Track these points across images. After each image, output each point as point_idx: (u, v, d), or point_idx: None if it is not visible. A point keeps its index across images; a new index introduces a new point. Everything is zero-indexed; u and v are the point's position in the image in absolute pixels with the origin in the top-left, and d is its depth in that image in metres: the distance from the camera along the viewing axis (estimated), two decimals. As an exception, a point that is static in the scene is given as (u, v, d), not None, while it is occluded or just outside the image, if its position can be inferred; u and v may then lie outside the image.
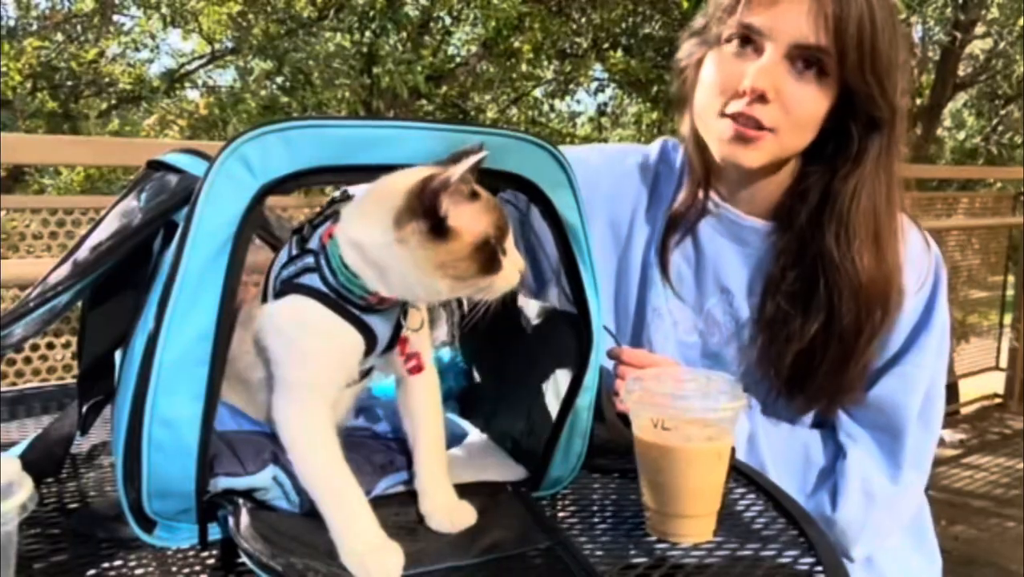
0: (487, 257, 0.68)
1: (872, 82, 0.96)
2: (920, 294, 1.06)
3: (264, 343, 0.73)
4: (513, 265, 0.71)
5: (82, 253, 0.78)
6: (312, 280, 0.71)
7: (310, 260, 0.72)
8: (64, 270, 0.76)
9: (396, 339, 0.76)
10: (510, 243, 0.72)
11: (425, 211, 0.66)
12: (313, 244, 0.73)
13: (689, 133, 1.08)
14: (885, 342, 1.05)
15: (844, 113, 0.99)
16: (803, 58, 0.97)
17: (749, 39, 0.98)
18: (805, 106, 0.98)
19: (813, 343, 1.02)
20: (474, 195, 0.68)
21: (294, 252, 0.73)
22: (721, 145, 1.01)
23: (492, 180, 0.78)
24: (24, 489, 0.50)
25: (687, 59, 1.07)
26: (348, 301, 0.71)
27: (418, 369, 0.79)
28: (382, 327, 0.74)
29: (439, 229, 0.66)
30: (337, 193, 0.75)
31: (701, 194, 1.09)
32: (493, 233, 0.69)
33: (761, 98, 0.96)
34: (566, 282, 0.85)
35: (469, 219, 0.67)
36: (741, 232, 1.08)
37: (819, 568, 0.73)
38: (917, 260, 1.06)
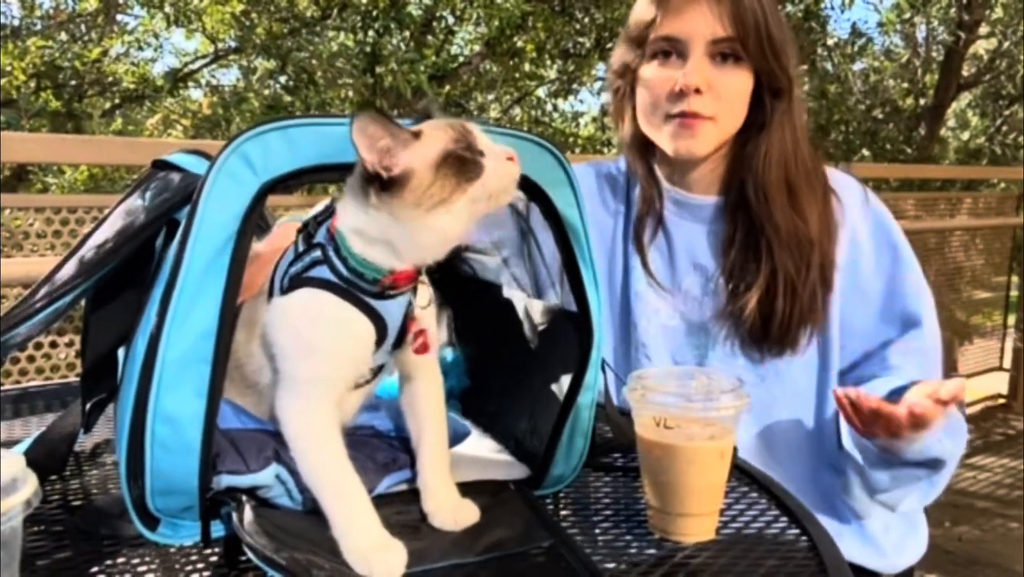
0: (456, 167, 0.69)
1: (771, 57, 1.13)
2: (868, 223, 1.19)
3: (272, 338, 0.73)
4: (497, 157, 0.70)
5: (87, 252, 0.78)
6: (322, 272, 0.72)
7: (318, 253, 0.72)
8: (69, 270, 0.76)
9: (403, 331, 0.76)
10: (485, 142, 0.71)
11: (371, 176, 0.68)
12: (320, 238, 0.73)
13: (629, 138, 1.23)
14: (855, 281, 1.16)
15: (757, 89, 1.15)
16: (719, 52, 1.12)
17: (671, 50, 1.14)
18: (732, 90, 1.13)
19: (768, 289, 1.14)
20: (416, 134, 0.69)
21: (300, 249, 0.74)
22: (672, 143, 1.15)
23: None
24: (28, 485, 0.50)
25: (619, 78, 1.22)
26: (359, 288, 0.71)
27: (425, 348, 0.78)
28: (392, 315, 0.74)
29: (389, 181, 0.68)
30: (339, 192, 0.76)
31: (653, 188, 1.22)
32: (450, 146, 0.69)
33: (696, 91, 1.11)
34: (567, 280, 0.85)
35: (415, 155, 0.68)
36: (698, 211, 1.21)
37: (821, 566, 0.73)
38: (850, 188, 1.21)
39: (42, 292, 0.75)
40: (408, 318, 0.75)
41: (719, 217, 1.20)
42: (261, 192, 0.70)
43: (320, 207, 0.78)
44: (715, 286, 1.19)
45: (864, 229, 1.19)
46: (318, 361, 0.72)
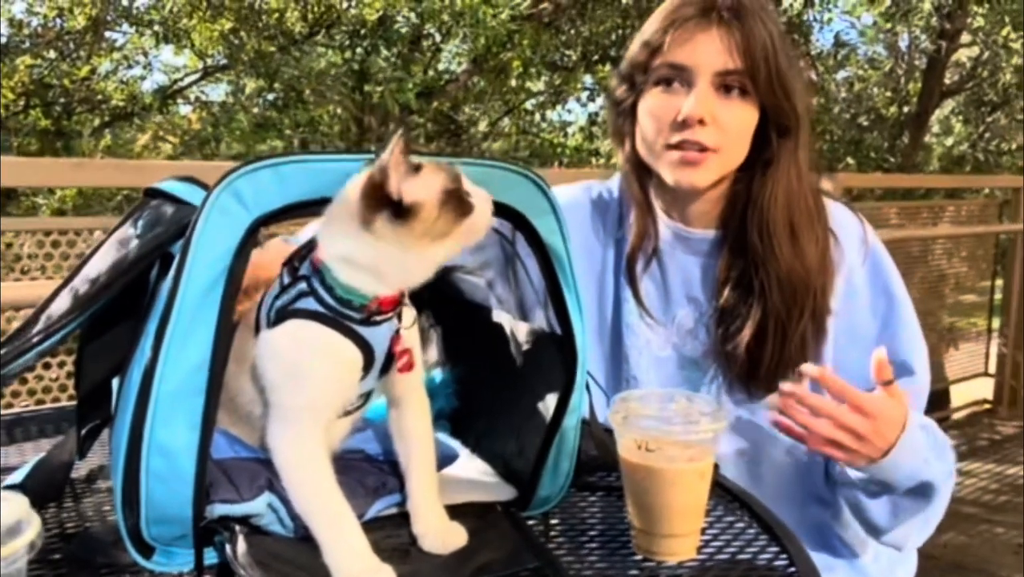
0: (455, 204, 0.72)
1: (780, 94, 1.10)
2: (866, 267, 1.17)
3: (261, 370, 0.75)
4: (483, 201, 0.74)
5: (82, 285, 0.80)
6: (308, 303, 0.74)
7: (303, 285, 0.74)
8: (65, 303, 0.78)
9: (390, 357, 0.78)
10: (469, 185, 0.74)
11: (381, 202, 0.70)
12: (304, 271, 0.75)
13: (628, 165, 1.20)
14: (851, 326, 1.16)
15: (763, 124, 1.13)
16: (725, 84, 1.10)
17: (676, 77, 1.11)
18: (737, 124, 1.11)
19: (758, 330, 1.12)
20: (417, 168, 0.72)
21: (286, 281, 0.76)
22: (673, 173, 1.13)
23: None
24: (32, 527, 0.52)
25: (622, 102, 1.19)
26: (346, 317, 0.74)
27: (409, 367, 0.81)
28: (379, 341, 0.76)
29: (401, 210, 0.70)
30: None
31: (648, 218, 1.20)
32: (449, 185, 0.72)
33: (700, 122, 1.09)
34: (552, 306, 0.87)
35: (422, 186, 0.71)
36: (695, 244, 1.19)
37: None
38: (850, 227, 1.18)
39: (39, 326, 0.76)
40: (395, 338, 0.77)
41: (716, 251, 1.18)
42: (252, 227, 0.72)
43: (305, 234, 0.80)
44: (708, 321, 1.17)
45: (861, 273, 1.17)
46: (308, 390, 0.74)
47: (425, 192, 0.71)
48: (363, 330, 0.74)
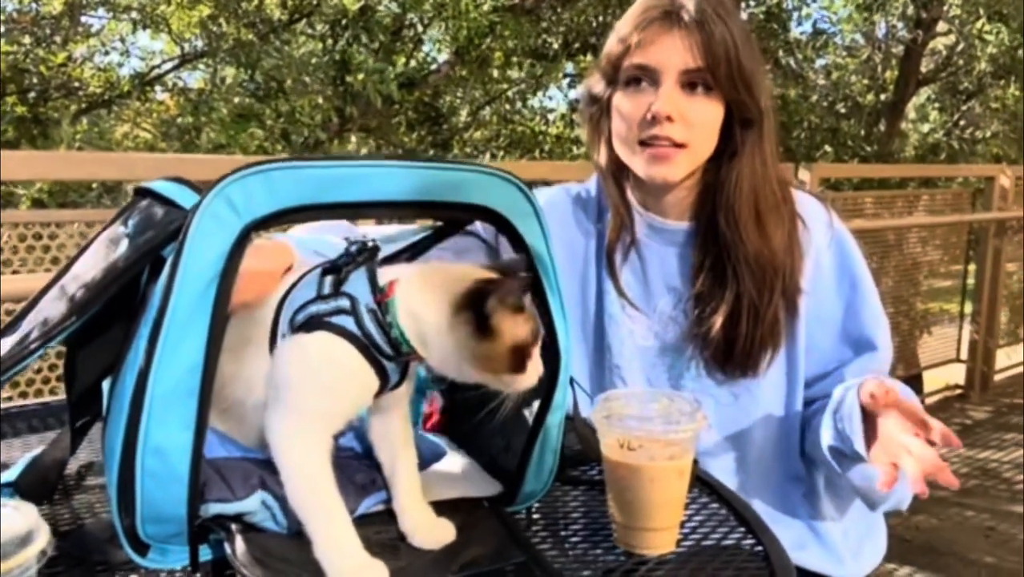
0: (518, 360, 0.77)
1: (741, 89, 1.16)
2: (831, 249, 1.24)
3: (281, 366, 0.77)
4: (535, 370, 0.79)
5: (74, 285, 0.81)
6: (345, 321, 0.76)
7: (345, 303, 0.77)
8: (61, 306, 0.79)
9: (398, 384, 0.82)
10: (537, 350, 0.79)
11: (473, 307, 0.75)
12: (352, 290, 0.78)
13: (604, 163, 1.25)
14: (818, 304, 1.22)
15: (728, 118, 1.18)
16: (690, 81, 1.15)
17: (643, 77, 1.17)
18: (703, 118, 1.17)
19: (732, 312, 1.18)
20: (519, 308, 0.77)
21: (326, 291, 0.78)
22: (646, 169, 1.19)
23: (464, 213, 0.83)
24: (43, 535, 0.54)
25: (593, 104, 1.25)
26: (377, 348, 0.77)
27: (437, 425, 0.88)
28: (394, 374, 0.80)
29: (483, 326, 0.75)
30: (363, 236, 0.82)
31: (625, 212, 1.25)
32: (529, 340, 0.77)
33: (668, 119, 1.15)
34: (536, 308, 0.89)
35: (511, 325, 0.76)
36: (671, 236, 1.25)
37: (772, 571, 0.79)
38: (816, 213, 1.25)
39: (36, 331, 0.78)
40: (430, 400, 0.83)
41: (690, 242, 1.23)
42: (243, 233, 0.74)
43: (334, 242, 0.81)
44: (687, 307, 1.23)
45: (827, 256, 1.24)
46: (328, 399, 0.77)
47: (510, 330, 0.75)
48: (386, 363, 0.78)
